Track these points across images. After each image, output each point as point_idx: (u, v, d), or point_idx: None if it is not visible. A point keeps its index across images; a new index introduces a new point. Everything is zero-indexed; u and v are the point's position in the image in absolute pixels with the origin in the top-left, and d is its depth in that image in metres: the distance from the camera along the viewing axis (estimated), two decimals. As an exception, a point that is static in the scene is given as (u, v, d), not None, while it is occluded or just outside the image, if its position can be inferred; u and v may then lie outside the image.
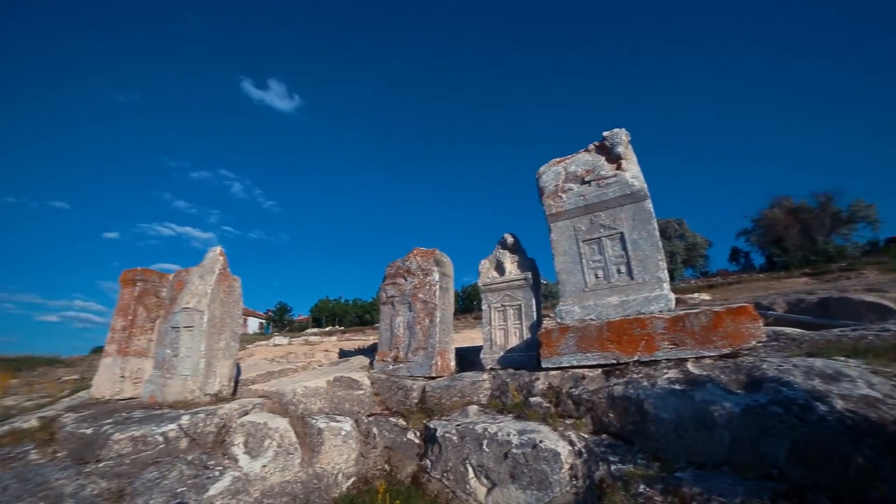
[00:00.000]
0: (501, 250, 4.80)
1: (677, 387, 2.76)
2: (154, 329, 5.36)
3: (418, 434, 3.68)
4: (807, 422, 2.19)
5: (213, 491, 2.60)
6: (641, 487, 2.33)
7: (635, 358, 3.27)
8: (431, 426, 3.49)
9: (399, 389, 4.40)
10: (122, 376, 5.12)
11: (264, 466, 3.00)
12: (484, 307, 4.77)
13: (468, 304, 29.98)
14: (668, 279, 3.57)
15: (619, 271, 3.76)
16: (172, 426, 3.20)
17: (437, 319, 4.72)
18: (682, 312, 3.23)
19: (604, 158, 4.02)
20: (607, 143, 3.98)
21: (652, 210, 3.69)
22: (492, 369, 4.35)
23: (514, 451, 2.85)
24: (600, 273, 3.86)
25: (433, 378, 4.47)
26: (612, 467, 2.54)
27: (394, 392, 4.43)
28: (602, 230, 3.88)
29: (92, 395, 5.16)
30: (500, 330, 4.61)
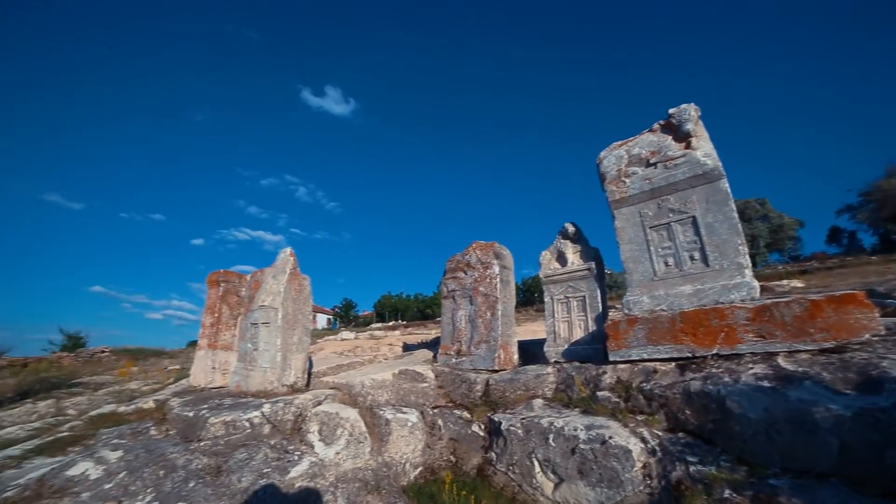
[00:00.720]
0: (562, 240, 4.65)
1: (766, 384, 2.50)
2: (236, 325, 5.92)
3: (483, 427, 3.70)
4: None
5: (293, 473, 2.83)
6: (727, 492, 2.15)
7: (713, 351, 3.02)
8: (496, 419, 3.50)
9: (462, 382, 4.45)
10: (213, 367, 5.74)
11: (337, 453, 3.20)
12: (546, 299, 4.67)
13: (529, 297, 29.50)
14: (749, 265, 3.24)
15: (692, 258, 3.48)
16: (256, 413, 3.53)
17: (499, 312, 4.69)
18: (769, 301, 2.92)
19: (670, 138, 3.74)
20: (674, 121, 3.69)
21: (728, 190, 3.37)
22: (556, 362, 4.25)
23: (582, 446, 2.77)
24: (671, 260, 3.60)
25: (496, 371, 4.47)
26: (691, 468, 2.38)
27: (457, 385, 4.49)
28: (671, 215, 3.62)
29: (190, 383, 5.84)
30: (564, 322, 4.48)
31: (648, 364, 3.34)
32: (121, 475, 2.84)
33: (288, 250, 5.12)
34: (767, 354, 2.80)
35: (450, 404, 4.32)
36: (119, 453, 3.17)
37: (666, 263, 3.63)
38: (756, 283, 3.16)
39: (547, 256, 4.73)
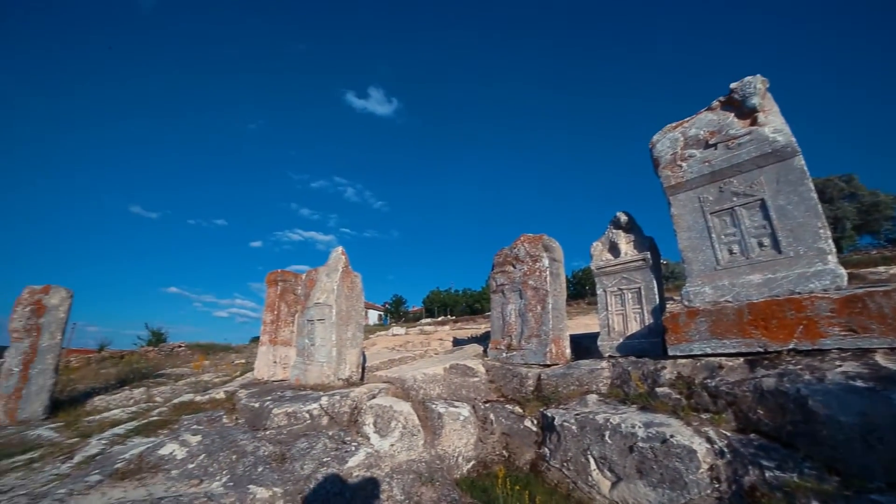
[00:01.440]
0: (614, 230, 4.46)
1: (860, 384, 2.23)
2: (294, 322, 6.28)
3: (535, 422, 3.66)
4: None
5: (351, 463, 2.97)
6: None
7: (790, 346, 2.76)
8: (549, 414, 3.45)
9: (514, 377, 4.42)
10: (275, 362, 6.14)
11: (392, 445, 3.31)
12: (599, 292, 4.50)
13: (579, 290, 28.58)
14: (833, 250, 2.92)
15: (760, 244, 3.20)
16: (315, 405, 3.73)
17: (549, 306, 4.60)
18: (860, 291, 2.61)
19: (732, 115, 3.44)
20: (736, 96, 3.39)
21: (804, 168, 3.05)
22: (610, 357, 4.10)
23: (641, 444, 2.65)
24: (735, 248, 3.33)
25: (548, 366, 4.39)
26: (767, 474, 2.19)
27: (508, 379, 4.46)
28: (735, 199, 3.34)
29: (255, 376, 6.29)
30: (618, 315, 4.30)
31: (712, 359, 3.12)
32: (201, 457, 3.14)
33: (339, 249, 5.34)
34: (861, 351, 2.51)
35: (501, 399, 4.31)
36: (198, 437, 3.49)
37: (730, 251, 3.36)
38: (842, 271, 2.84)
39: (598, 247, 4.55)
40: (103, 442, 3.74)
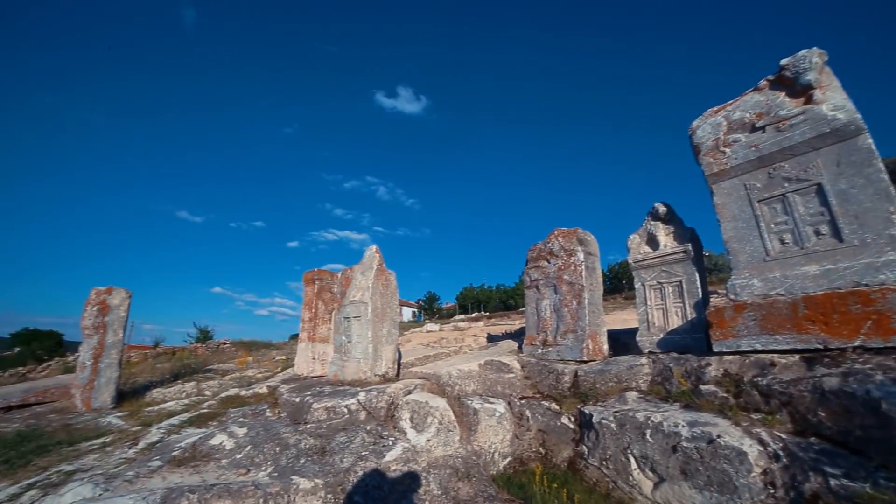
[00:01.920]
0: (653, 222, 4.27)
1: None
2: (331, 319, 6.47)
3: (572, 419, 3.59)
4: None
5: (388, 457, 3.03)
6: (889, 516, 1.79)
7: (855, 343, 2.55)
8: (586, 412, 3.37)
9: (550, 373, 4.35)
10: (313, 358, 6.36)
11: (428, 440, 3.35)
12: (637, 286, 4.34)
13: (616, 284, 27.70)
14: (905, 237, 2.66)
15: (817, 233, 2.96)
16: (353, 400, 3.83)
17: (586, 301, 4.48)
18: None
19: (783, 94, 3.21)
20: (787, 74, 3.15)
21: (872, 147, 2.79)
22: (650, 353, 3.95)
23: (685, 444, 2.54)
24: (788, 237, 3.11)
25: (585, 362, 4.29)
26: (833, 482, 2.02)
27: (544, 376, 4.40)
28: (787, 184, 3.11)
29: (295, 372, 6.54)
30: (658, 310, 4.13)
31: (763, 356, 2.94)
32: (247, 448, 3.30)
33: (373, 248, 5.44)
34: None
35: (537, 395, 4.26)
36: (244, 430, 3.68)
37: (781, 241, 3.14)
38: (914, 259, 2.59)
39: (636, 240, 4.38)
40: (161, 431, 4.02)
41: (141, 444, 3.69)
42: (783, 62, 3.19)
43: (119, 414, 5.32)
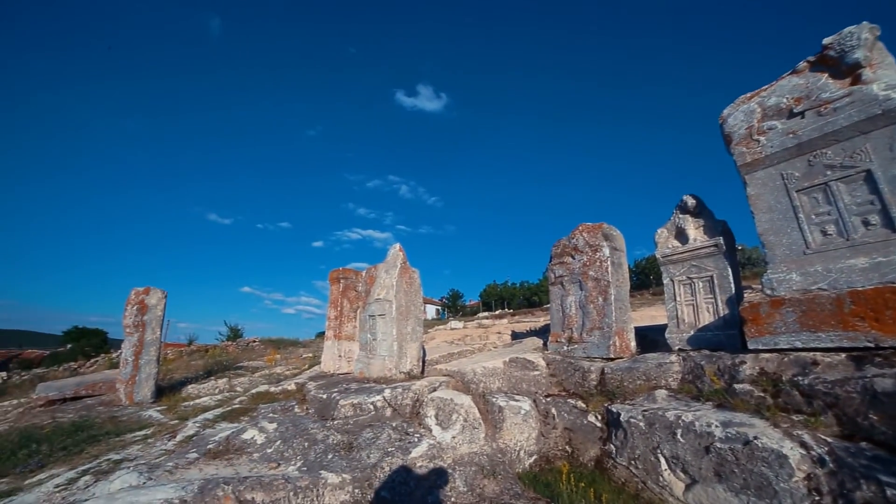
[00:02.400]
0: (681, 215, 4.12)
1: None
2: (356, 317, 6.57)
3: (599, 417, 3.52)
4: None
5: (414, 454, 3.05)
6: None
7: (906, 339, 2.39)
8: (614, 410, 3.30)
9: (576, 371, 4.28)
10: (340, 356, 6.47)
11: (454, 437, 3.36)
12: (665, 281, 4.20)
13: (643, 280, 26.95)
14: (962, 226, 2.47)
15: (865, 223, 2.78)
16: (378, 397, 3.88)
17: (612, 297, 4.38)
18: None
19: (825, 76, 3.02)
20: (832, 53, 2.97)
21: (923, 129, 2.59)
22: (681, 350, 3.82)
23: (719, 445, 2.44)
24: (831, 229, 2.93)
25: (611, 359, 4.20)
26: (889, 491, 1.88)
27: (570, 373, 4.33)
28: (829, 172, 2.93)
29: (322, 369, 6.68)
30: (688, 306, 3.99)
31: (804, 354, 2.79)
32: (277, 443, 3.40)
33: (397, 246, 5.48)
34: None
35: (563, 393, 4.20)
36: (274, 425, 3.79)
37: (824, 233, 2.97)
38: (972, 250, 2.40)
39: (664, 234, 4.24)
40: (197, 425, 4.19)
41: (179, 437, 3.86)
42: (826, 41, 3.01)
43: (158, 408, 5.59)
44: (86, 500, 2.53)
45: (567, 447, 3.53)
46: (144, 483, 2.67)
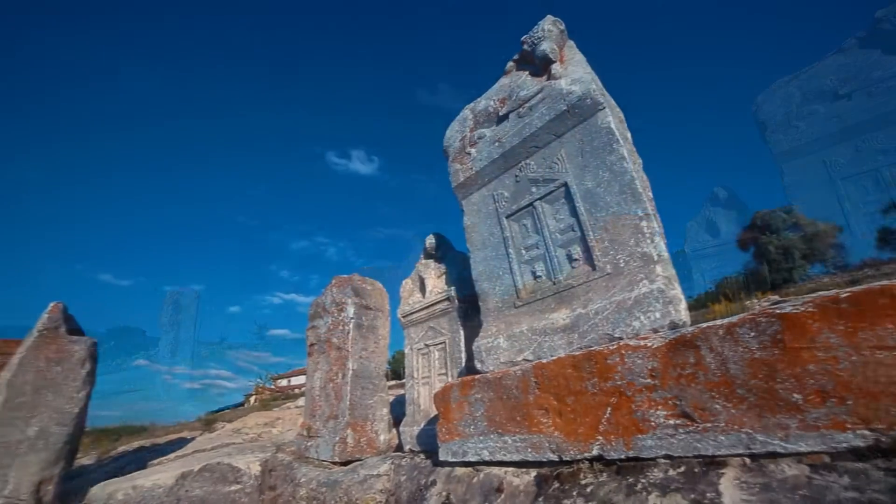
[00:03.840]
0: (424, 260, 3.13)
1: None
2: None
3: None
4: None
5: None
6: None
7: (593, 451, 1.39)
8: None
9: (289, 483, 2.86)
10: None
11: None
12: (406, 351, 3.06)
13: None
14: (664, 256, 1.64)
15: (569, 258, 1.92)
16: None
17: (349, 373, 3.14)
18: (689, 331, 1.31)
19: (526, 73, 2.32)
20: (527, 48, 2.29)
21: (611, 126, 1.85)
22: (410, 451, 2.62)
23: None
24: (540, 268, 2.04)
25: (342, 463, 2.86)
26: None
27: (285, 486, 2.89)
28: (534, 189, 2.11)
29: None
30: (424, 385, 2.84)
31: (494, 470, 1.70)
32: None
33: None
34: (702, 462, 1.16)
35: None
36: None
37: (534, 274, 2.06)
38: (676, 292, 1.55)
39: (408, 287, 3.17)
40: None
41: None
42: (524, 37, 2.34)
43: None
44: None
45: None
46: None
